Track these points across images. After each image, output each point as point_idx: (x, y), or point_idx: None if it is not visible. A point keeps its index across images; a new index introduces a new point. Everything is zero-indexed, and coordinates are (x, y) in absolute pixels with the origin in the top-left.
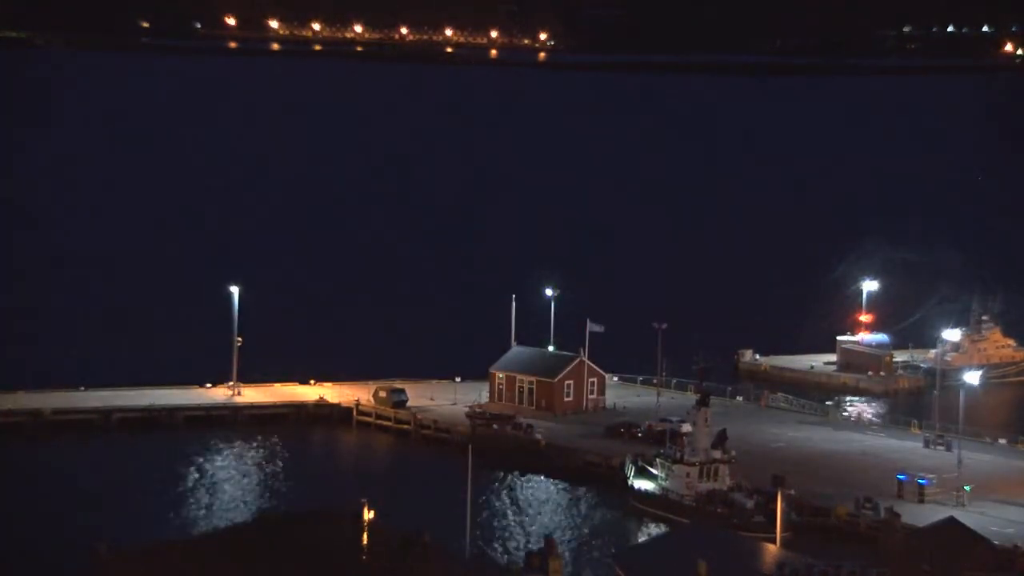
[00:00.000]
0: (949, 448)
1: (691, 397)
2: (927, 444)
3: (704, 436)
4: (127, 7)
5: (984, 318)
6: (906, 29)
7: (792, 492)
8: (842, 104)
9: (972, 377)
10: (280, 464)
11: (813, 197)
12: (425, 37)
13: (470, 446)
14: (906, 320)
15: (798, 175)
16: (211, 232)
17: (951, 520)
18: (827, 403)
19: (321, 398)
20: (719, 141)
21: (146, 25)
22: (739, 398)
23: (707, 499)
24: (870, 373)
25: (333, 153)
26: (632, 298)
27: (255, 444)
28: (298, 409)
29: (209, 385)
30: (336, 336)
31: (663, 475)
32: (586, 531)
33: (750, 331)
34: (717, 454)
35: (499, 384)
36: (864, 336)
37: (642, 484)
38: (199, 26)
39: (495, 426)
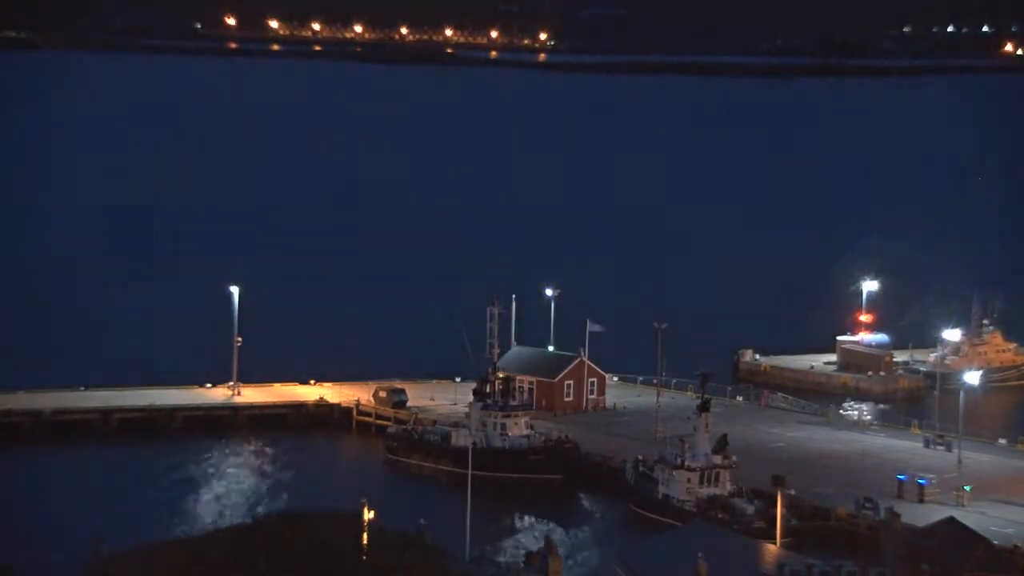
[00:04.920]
0: (949, 448)
1: (691, 398)
2: (927, 444)
3: (705, 441)
4: (127, 7)
5: (985, 321)
6: (906, 29)
7: (792, 492)
8: (842, 103)
9: (972, 377)
10: (280, 464)
11: (813, 197)
12: (425, 37)
13: (470, 448)
14: (909, 313)
15: (798, 174)
16: (211, 232)
17: (951, 520)
18: (827, 407)
19: (321, 398)
20: (719, 140)
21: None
22: (739, 398)
23: (708, 504)
24: (870, 373)
25: (333, 152)
26: (632, 298)
27: (255, 444)
28: (298, 409)
29: (209, 385)
30: (336, 336)
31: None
32: (586, 531)
33: (750, 331)
34: (718, 459)
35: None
36: (864, 336)
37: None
38: (199, 26)
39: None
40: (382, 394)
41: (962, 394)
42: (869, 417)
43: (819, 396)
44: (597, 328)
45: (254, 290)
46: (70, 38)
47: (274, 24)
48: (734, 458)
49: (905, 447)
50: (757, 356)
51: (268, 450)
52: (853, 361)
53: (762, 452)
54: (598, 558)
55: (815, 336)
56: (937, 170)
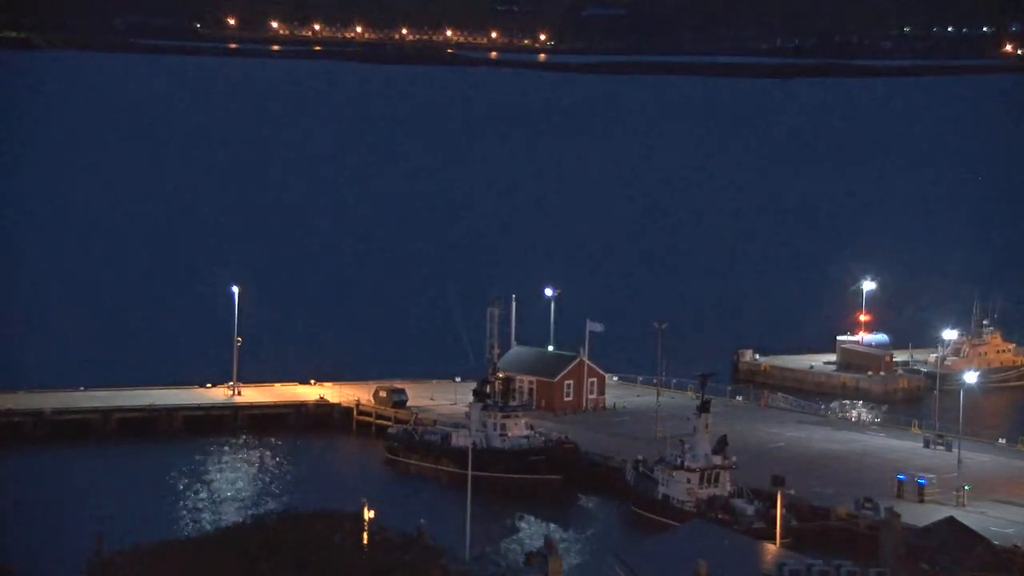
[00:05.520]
0: (949, 448)
1: (691, 398)
2: (927, 444)
3: (705, 442)
4: (127, 7)
5: (985, 322)
6: (906, 29)
7: (792, 492)
8: (842, 103)
9: (972, 377)
10: (280, 464)
11: (813, 196)
12: (425, 37)
13: (470, 448)
14: (908, 313)
15: (797, 174)
16: (211, 232)
17: (951, 520)
18: (828, 407)
19: (321, 398)
20: (718, 140)
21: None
22: (739, 398)
23: (708, 505)
24: (870, 373)
25: (332, 152)
26: (632, 298)
27: (255, 444)
28: (298, 409)
29: (209, 385)
30: (336, 336)
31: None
32: (586, 531)
33: (750, 331)
34: (718, 460)
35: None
36: (864, 336)
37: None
38: (199, 26)
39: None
40: (382, 394)
41: (962, 394)
42: (869, 417)
43: (819, 396)
44: (597, 328)
45: (254, 290)
46: (70, 38)
47: (274, 24)
48: (734, 458)
49: (905, 447)
50: (757, 356)
51: (268, 450)
52: (853, 361)
53: (762, 452)
54: (598, 558)
55: (815, 336)
56: (937, 169)
